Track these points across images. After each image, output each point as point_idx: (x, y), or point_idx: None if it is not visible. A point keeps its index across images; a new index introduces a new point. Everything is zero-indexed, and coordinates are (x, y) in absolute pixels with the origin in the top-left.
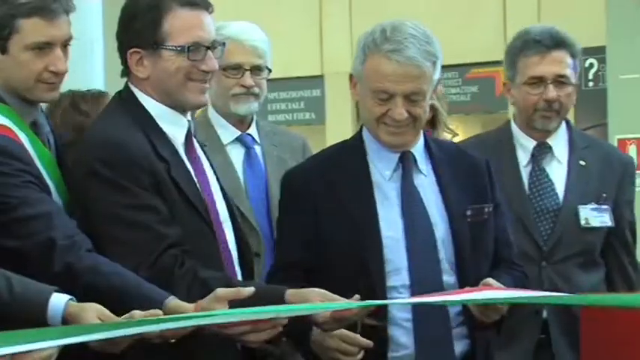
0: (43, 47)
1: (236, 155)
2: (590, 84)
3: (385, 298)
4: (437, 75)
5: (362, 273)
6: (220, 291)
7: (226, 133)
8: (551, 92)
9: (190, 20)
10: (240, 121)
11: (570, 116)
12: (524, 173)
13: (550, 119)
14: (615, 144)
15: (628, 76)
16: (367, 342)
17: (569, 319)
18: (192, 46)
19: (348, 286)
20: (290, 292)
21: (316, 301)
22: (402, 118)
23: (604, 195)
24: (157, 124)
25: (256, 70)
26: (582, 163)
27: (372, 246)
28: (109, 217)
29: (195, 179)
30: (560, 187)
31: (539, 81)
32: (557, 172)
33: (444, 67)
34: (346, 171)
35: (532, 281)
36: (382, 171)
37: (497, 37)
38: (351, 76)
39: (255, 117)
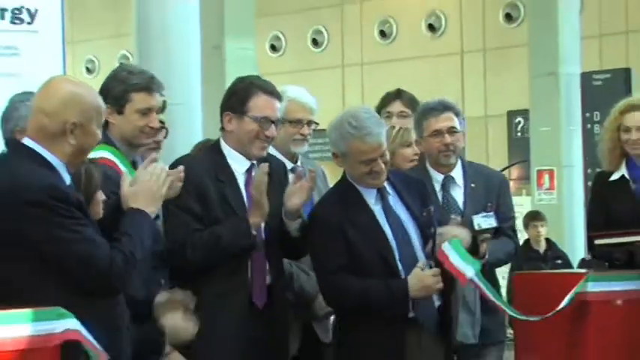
0: (146, 112)
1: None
2: (519, 134)
3: (397, 272)
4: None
5: (383, 263)
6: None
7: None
8: (447, 139)
9: (266, 103)
10: (292, 156)
11: (504, 155)
12: (440, 196)
13: (449, 156)
14: (535, 174)
15: (544, 129)
16: (439, 282)
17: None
18: (263, 119)
19: (374, 271)
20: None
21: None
22: (384, 171)
23: (489, 204)
24: (226, 160)
25: (310, 123)
26: (472, 185)
27: (385, 247)
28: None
29: (247, 203)
30: (461, 203)
31: (438, 133)
32: (458, 193)
33: None
34: (355, 204)
35: None
36: (369, 200)
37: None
38: (333, 154)
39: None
